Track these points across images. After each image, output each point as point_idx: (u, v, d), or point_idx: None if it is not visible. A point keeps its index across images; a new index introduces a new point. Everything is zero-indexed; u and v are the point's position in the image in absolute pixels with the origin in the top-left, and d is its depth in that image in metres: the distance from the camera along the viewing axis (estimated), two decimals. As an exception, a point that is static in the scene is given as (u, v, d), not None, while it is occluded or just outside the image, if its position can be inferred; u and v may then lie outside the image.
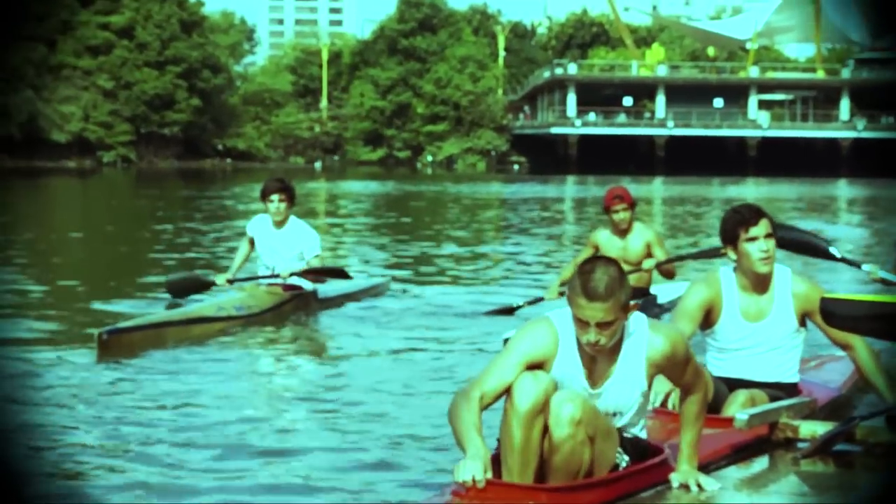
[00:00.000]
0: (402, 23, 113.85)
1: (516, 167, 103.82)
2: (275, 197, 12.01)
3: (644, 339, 5.35)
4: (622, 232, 11.23)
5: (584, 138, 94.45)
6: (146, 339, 10.25)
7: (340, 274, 12.74)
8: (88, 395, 8.16)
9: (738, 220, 6.70)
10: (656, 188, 57.60)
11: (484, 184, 59.05)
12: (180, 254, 19.13)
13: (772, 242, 6.69)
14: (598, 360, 5.33)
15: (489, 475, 4.90)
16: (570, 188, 56.35)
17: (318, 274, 12.19)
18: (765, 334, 6.87)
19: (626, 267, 10.68)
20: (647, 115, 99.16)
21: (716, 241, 7.75)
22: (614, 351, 5.32)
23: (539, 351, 5.30)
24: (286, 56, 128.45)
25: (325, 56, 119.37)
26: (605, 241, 11.30)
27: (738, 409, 6.58)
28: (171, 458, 6.47)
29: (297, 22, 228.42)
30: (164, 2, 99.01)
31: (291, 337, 11.10)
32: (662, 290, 11.70)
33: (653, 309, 11.40)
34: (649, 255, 11.28)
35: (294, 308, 12.16)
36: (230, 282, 12.29)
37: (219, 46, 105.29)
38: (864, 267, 9.47)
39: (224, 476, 6.15)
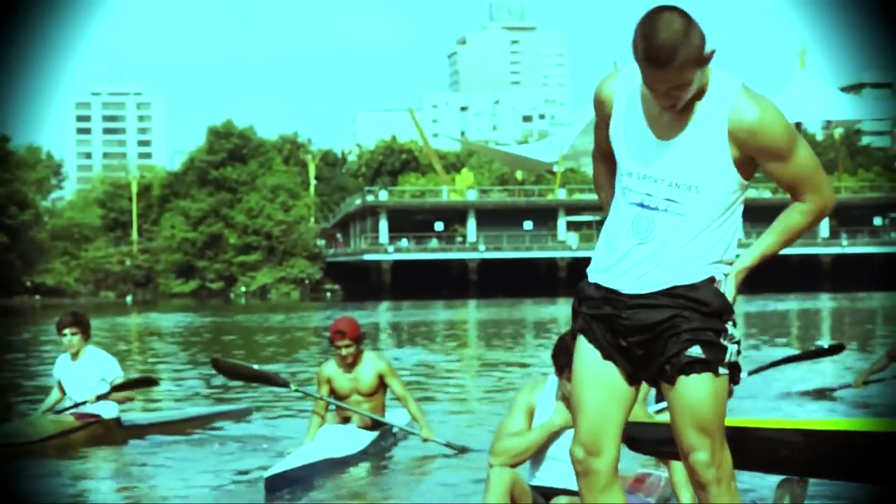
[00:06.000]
0: (211, 154, 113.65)
1: (328, 295, 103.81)
2: (67, 331, 12.07)
3: (730, 100, 4.60)
4: (349, 365, 11.09)
5: (398, 264, 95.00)
6: None
7: (146, 382, 12.59)
8: None
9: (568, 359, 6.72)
10: (470, 312, 58.02)
11: (299, 313, 58.85)
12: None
13: None
14: (669, 113, 4.64)
15: None
16: (383, 314, 56.44)
17: (122, 389, 12.03)
18: None
19: (358, 398, 10.75)
20: (459, 239, 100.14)
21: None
22: (688, 107, 4.63)
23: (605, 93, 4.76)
24: (94, 190, 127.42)
25: (134, 189, 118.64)
26: (334, 373, 11.14)
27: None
28: None
29: (106, 155, 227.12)
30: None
31: (70, 466, 10.73)
32: (398, 418, 11.83)
33: (388, 438, 11.51)
34: (383, 385, 11.19)
35: (89, 436, 11.86)
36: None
37: (25, 182, 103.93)
38: None
39: None
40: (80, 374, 12.00)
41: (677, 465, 7.03)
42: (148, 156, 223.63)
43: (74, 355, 12.12)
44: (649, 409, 6.75)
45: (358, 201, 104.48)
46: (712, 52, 4.49)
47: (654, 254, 4.67)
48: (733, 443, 5.89)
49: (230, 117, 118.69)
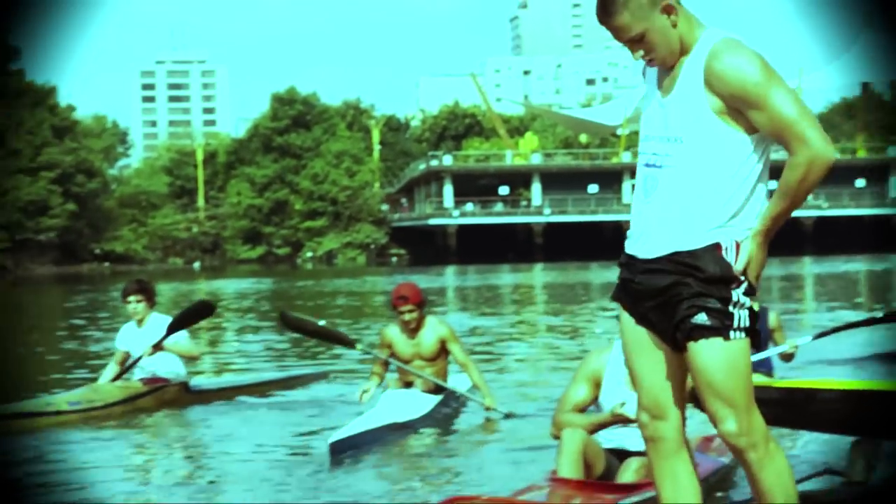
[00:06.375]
0: (275, 120, 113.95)
1: (394, 259, 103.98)
2: (132, 298, 12.13)
3: (705, 52, 4.62)
4: (412, 331, 11.14)
5: (463, 228, 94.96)
6: None
7: (202, 310, 12.55)
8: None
9: None
10: (537, 276, 57.94)
11: (363, 277, 58.97)
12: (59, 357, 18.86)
13: None
14: (668, 71, 4.70)
15: None
16: (449, 278, 56.47)
17: (179, 326, 12.05)
18: None
19: (420, 363, 10.71)
20: (524, 203, 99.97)
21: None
22: (679, 64, 4.68)
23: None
24: (161, 157, 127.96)
25: (199, 156, 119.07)
26: (397, 337, 11.20)
27: (632, 475, 6.67)
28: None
29: (171, 123, 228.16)
30: (35, 108, 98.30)
31: (132, 432, 10.75)
32: (460, 383, 11.79)
33: (451, 403, 11.49)
34: (445, 350, 11.22)
35: (156, 401, 11.90)
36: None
37: (92, 150, 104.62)
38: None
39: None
40: (145, 341, 12.01)
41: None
42: (212, 123, 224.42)
43: (139, 322, 12.19)
44: None
45: (422, 166, 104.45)
46: (669, 6, 4.54)
47: (656, 211, 4.69)
48: (801, 404, 5.84)
49: (293, 84, 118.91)
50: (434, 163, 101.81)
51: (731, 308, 4.59)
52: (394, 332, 11.23)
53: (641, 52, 4.64)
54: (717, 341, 4.59)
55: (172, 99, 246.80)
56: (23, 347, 21.76)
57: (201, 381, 13.14)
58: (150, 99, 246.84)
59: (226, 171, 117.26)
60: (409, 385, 11.20)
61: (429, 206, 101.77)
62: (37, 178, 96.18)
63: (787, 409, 5.83)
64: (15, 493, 8.22)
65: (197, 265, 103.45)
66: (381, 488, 8.10)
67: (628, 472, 6.76)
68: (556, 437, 6.94)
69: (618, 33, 4.61)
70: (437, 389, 11.18)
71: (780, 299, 30.87)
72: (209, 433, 10.73)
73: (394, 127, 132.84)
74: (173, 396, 12.18)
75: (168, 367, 12.22)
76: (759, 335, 4.73)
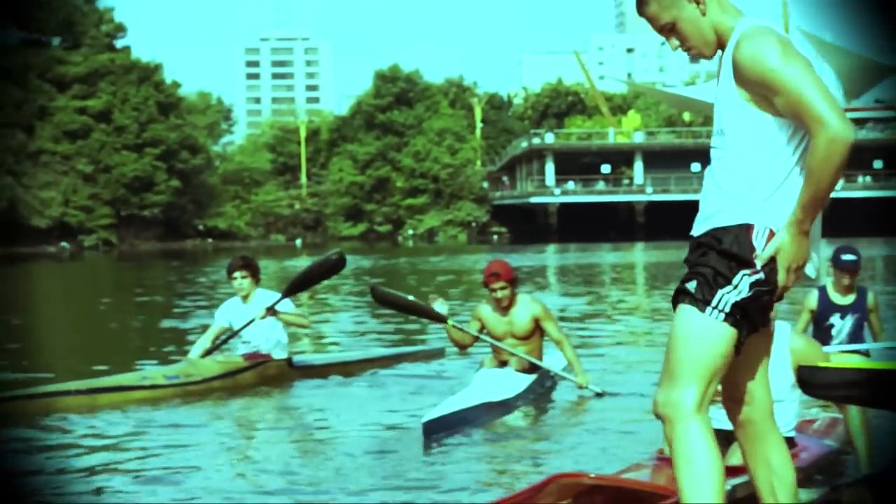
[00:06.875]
0: (378, 98, 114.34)
1: (495, 237, 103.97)
2: (237, 274, 12.15)
3: (734, 42, 4.60)
4: (504, 308, 11.09)
5: (564, 207, 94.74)
6: (38, 407, 10.05)
7: (338, 263, 12.57)
8: None
9: None
10: (637, 255, 57.65)
11: (463, 255, 58.97)
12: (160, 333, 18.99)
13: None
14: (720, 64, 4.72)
15: None
16: (550, 257, 56.32)
17: (306, 284, 12.14)
18: None
19: (513, 342, 10.59)
20: (626, 181, 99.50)
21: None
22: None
23: None
24: (264, 134, 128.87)
25: (303, 133, 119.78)
26: (489, 316, 11.17)
27: (740, 458, 6.58)
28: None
29: (274, 100, 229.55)
30: (141, 84, 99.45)
31: (230, 407, 10.78)
32: (555, 361, 11.66)
33: (546, 382, 11.38)
34: (539, 328, 11.14)
35: (258, 377, 11.87)
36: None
37: (196, 127, 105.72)
38: None
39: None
40: (250, 318, 12.03)
41: (853, 410, 6.89)
42: (316, 100, 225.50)
43: (244, 298, 12.20)
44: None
45: (524, 144, 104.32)
46: None
47: (705, 197, 4.69)
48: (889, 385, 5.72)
49: (396, 61, 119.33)
50: (536, 141, 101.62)
51: (721, 287, 4.51)
52: (486, 311, 11.19)
53: (677, 43, 4.69)
54: (691, 310, 4.54)
55: (276, 76, 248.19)
56: (117, 323, 21.98)
57: (306, 357, 13.11)
58: (255, 76, 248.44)
59: (328, 149, 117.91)
60: (503, 364, 11.13)
61: (530, 185, 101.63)
62: (142, 154, 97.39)
63: (874, 389, 5.72)
64: (111, 465, 8.25)
65: (299, 242, 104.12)
66: (476, 468, 8.05)
67: (736, 455, 6.68)
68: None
69: (651, 23, 4.65)
70: (531, 368, 11.11)
71: (886, 280, 30.42)
72: (307, 409, 10.74)
73: (496, 105, 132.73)
74: (276, 372, 12.14)
75: (273, 336, 12.22)
76: (751, 330, 4.60)
